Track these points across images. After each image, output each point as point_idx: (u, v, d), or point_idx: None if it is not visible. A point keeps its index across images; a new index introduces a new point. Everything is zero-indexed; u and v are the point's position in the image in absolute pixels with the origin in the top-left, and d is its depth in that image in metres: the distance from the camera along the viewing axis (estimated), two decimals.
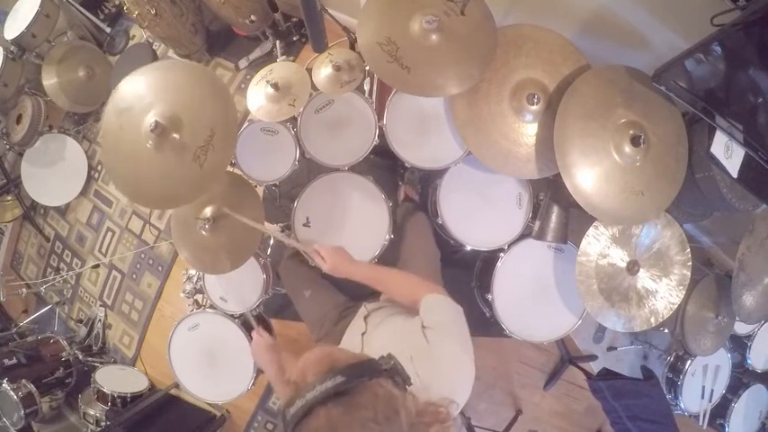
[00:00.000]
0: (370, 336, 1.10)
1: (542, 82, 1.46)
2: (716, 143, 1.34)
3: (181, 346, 1.81)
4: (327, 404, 0.53)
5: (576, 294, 1.53)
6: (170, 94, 1.25)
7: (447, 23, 1.34)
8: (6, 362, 2.30)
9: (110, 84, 2.70)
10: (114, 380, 2.30)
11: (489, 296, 1.66)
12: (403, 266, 1.53)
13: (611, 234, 1.53)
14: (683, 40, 1.31)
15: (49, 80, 2.53)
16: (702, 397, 1.91)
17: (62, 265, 2.86)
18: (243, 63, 2.53)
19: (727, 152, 1.35)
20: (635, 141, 1.34)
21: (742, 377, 2.03)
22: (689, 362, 1.87)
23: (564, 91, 1.39)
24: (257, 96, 1.60)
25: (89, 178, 2.75)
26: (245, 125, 1.70)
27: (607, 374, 1.85)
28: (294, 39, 2.42)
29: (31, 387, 2.22)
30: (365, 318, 1.19)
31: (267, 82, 1.57)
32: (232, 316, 1.75)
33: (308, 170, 1.79)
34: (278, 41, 2.39)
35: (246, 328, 1.74)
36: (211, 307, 1.76)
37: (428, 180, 1.95)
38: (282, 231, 1.79)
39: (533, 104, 1.42)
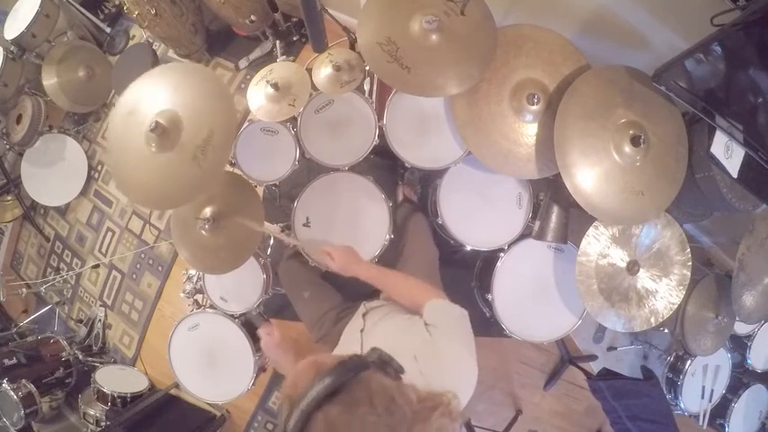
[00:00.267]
0: (369, 333, 1.10)
1: (542, 82, 1.46)
2: (716, 143, 1.33)
3: (181, 346, 1.81)
4: (323, 407, 0.53)
5: (576, 294, 1.53)
6: (170, 95, 1.26)
7: (447, 23, 1.34)
8: (6, 362, 2.30)
9: (110, 84, 2.70)
10: (114, 380, 2.30)
11: (489, 296, 1.67)
12: (402, 266, 1.53)
13: (611, 234, 1.53)
14: (683, 40, 1.31)
15: (49, 80, 2.54)
16: (702, 397, 1.91)
17: (62, 265, 2.86)
18: (243, 63, 2.53)
19: (727, 152, 1.34)
20: (635, 141, 1.34)
21: (742, 377, 2.03)
22: (689, 362, 1.87)
23: (564, 91, 1.39)
24: (257, 96, 1.60)
25: (89, 178, 2.75)
26: (245, 125, 1.70)
27: (607, 374, 1.85)
28: (294, 39, 2.42)
29: (31, 387, 2.22)
30: (364, 315, 1.19)
31: (267, 82, 1.57)
32: (232, 316, 1.75)
33: (308, 170, 1.79)
34: (278, 41, 2.39)
35: (247, 328, 1.74)
36: (211, 307, 1.76)
37: (428, 180, 1.95)
38: (282, 231, 1.79)
39: (533, 104, 1.42)
